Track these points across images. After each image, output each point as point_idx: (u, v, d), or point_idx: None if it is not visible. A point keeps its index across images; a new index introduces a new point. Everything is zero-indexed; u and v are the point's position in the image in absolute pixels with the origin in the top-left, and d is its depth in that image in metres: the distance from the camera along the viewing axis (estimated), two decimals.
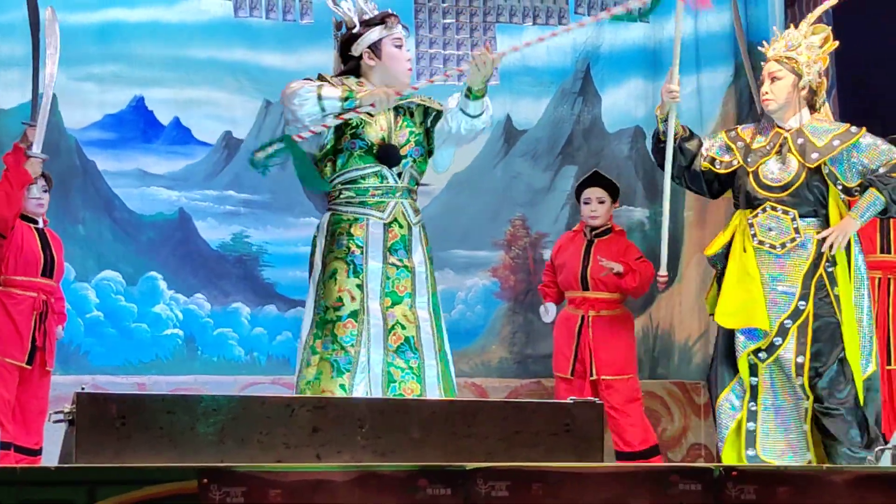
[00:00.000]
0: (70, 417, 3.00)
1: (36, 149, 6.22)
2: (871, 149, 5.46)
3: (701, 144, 5.72)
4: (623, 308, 7.22)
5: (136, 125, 7.76)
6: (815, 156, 5.44)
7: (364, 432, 3.14)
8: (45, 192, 6.54)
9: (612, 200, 7.21)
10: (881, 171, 5.41)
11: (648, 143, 7.80)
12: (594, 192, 7.13)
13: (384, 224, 5.00)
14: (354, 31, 5.09)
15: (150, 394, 3.91)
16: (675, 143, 5.64)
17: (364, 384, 4.76)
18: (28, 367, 6.46)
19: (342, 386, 4.70)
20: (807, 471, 3.37)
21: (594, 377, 6.92)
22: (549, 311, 7.18)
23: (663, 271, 5.87)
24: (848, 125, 5.56)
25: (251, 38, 7.56)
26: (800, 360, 5.40)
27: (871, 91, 6.89)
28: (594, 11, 7.74)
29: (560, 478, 3.01)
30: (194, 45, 7.78)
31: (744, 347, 5.49)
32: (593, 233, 7.14)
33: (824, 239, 5.41)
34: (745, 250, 5.49)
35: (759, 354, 5.45)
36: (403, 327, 4.92)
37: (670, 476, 3.10)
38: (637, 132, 8.55)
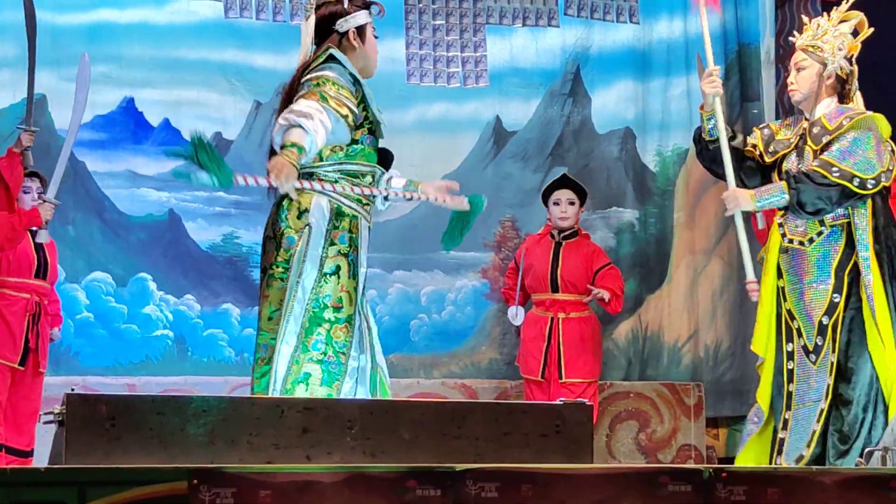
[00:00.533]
0: (60, 418, 3.00)
1: (50, 194, 6.35)
2: (859, 139, 5.35)
3: (745, 140, 5.56)
4: (590, 310, 7.26)
5: (127, 126, 7.76)
6: (825, 138, 5.30)
7: (354, 433, 3.14)
8: (41, 192, 6.54)
9: (581, 203, 7.24)
10: (815, 164, 5.25)
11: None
12: (564, 194, 7.17)
13: (368, 227, 4.90)
14: (345, 6, 4.92)
15: (140, 395, 3.92)
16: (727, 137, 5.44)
17: (350, 387, 4.67)
18: (20, 368, 6.46)
19: (329, 395, 4.62)
20: (796, 472, 3.38)
21: (563, 380, 6.93)
22: (518, 315, 7.17)
23: (751, 277, 5.42)
24: (866, 112, 5.38)
25: (241, 38, 7.57)
26: (832, 359, 5.26)
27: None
28: (584, 13, 7.75)
29: (550, 479, 3.01)
30: (184, 46, 7.78)
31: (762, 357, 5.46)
32: (561, 235, 7.17)
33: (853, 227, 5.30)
34: (783, 251, 5.39)
35: (810, 356, 5.29)
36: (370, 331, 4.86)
37: (660, 477, 3.11)
38: (627, 133, 8.55)
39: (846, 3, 5.48)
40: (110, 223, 7.69)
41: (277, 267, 4.70)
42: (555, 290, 7.10)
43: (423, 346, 8.18)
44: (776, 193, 5.29)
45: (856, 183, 5.21)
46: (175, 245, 7.67)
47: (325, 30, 4.84)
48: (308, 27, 4.81)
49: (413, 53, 7.24)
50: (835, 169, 5.21)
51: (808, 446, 5.22)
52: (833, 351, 5.25)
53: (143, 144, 7.73)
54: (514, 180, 8.23)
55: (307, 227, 4.74)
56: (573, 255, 7.09)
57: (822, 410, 5.25)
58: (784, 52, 5.98)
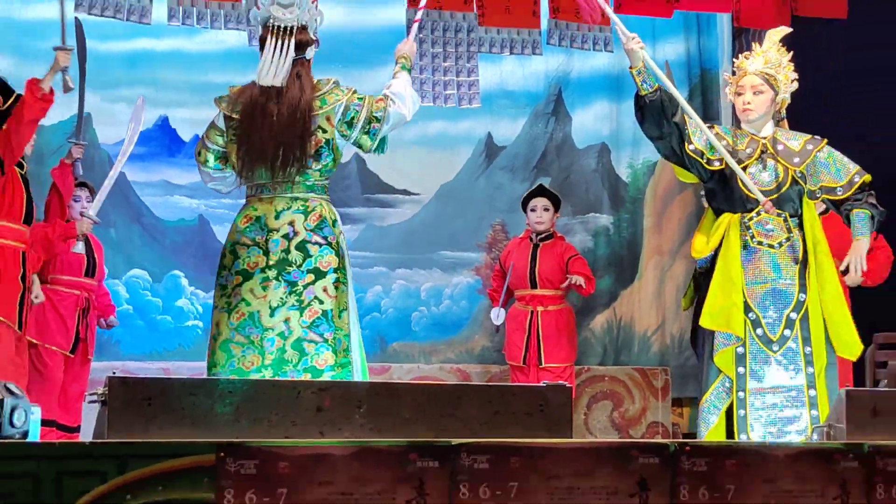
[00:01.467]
0: (103, 399, 2.99)
1: (92, 211, 6.33)
2: (835, 157, 5.37)
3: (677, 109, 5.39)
4: (566, 303, 7.26)
5: (162, 142, 7.77)
6: (796, 160, 5.32)
7: (362, 412, 3.14)
8: (89, 202, 6.54)
9: (555, 210, 7.25)
10: (855, 180, 5.32)
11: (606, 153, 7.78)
12: (540, 202, 7.20)
13: None
14: (312, 37, 4.74)
15: (173, 377, 3.90)
16: (659, 94, 5.28)
17: None
18: (71, 355, 6.47)
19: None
20: (752, 446, 3.37)
21: (543, 365, 6.97)
22: (500, 316, 7.17)
23: (762, 198, 5.24)
24: (812, 135, 5.44)
25: None
26: (807, 349, 5.25)
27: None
28: (564, 43, 7.75)
29: (534, 452, 3.01)
30: (212, 71, 7.78)
31: (721, 347, 5.29)
32: (538, 237, 7.19)
33: (806, 247, 5.33)
34: (744, 248, 5.29)
35: (772, 346, 5.25)
36: None
37: (631, 451, 3.10)
38: (603, 148, 8.57)
39: (777, 34, 5.52)
40: (147, 227, 7.70)
41: (340, 272, 4.58)
42: (534, 286, 7.13)
43: (423, 336, 8.18)
44: (863, 220, 5.34)
45: (859, 176, 5.35)
46: (204, 246, 7.67)
47: (298, 49, 4.69)
48: (289, 51, 4.62)
49: (414, 77, 7.22)
50: (846, 183, 5.34)
51: (809, 430, 5.20)
52: (808, 343, 5.25)
53: (176, 157, 7.73)
54: (504, 189, 8.24)
55: (342, 236, 4.67)
56: (549, 255, 7.12)
57: (813, 398, 5.24)
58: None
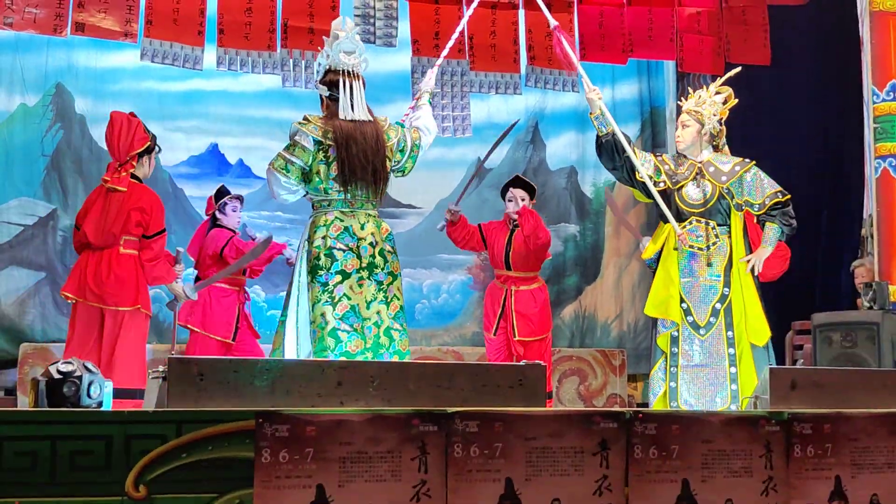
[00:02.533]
0: (164, 375, 2.99)
1: (192, 292, 6.07)
2: (758, 178, 5.42)
3: (629, 143, 5.49)
4: (539, 281, 6.87)
5: (212, 164, 7.77)
6: (724, 178, 5.39)
7: (375, 385, 3.14)
8: (240, 209, 6.61)
9: (530, 198, 6.85)
10: (766, 202, 5.36)
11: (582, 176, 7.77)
12: (517, 192, 6.78)
13: None
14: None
15: (221, 357, 3.91)
16: (612, 136, 5.40)
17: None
18: (232, 342, 6.44)
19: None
20: (692, 414, 3.38)
21: (517, 337, 6.65)
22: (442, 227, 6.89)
23: (678, 229, 5.33)
24: (742, 158, 5.50)
25: (295, 101, 7.56)
26: (730, 334, 5.31)
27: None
28: (539, 84, 7.76)
29: (514, 418, 3.01)
30: (253, 107, 7.79)
31: (664, 329, 5.39)
32: (513, 223, 6.86)
33: (730, 239, 5.37)
34: (677, 251, 5.35)
35: (700, 331, 5.32)
36: None
37: (594, 417, 3.10)
38: (571, 170, 8.58)
39: (721, 80, 5.57)
40: None
41: (401, 276, 4.68)
42: (508, 268, 6.78)
43: (425, 323, 8.18)
44: (773, 232, 5.39)
45: (780, 195, 5.37)
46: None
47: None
48: (361, 87, 4.66)
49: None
50: (768, 197, 5.37)
51: (732, 401, 5.25)
52: (730, 328, 5.30)
53: (223, 177, 7.73)
54: (490, 204, 8.23)
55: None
56: (520, 239, 6.73)
57: (734, 374, 5.29)
58: (678, 113, 6.02)
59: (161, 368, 3.01)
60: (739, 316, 5.33)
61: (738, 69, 5.68)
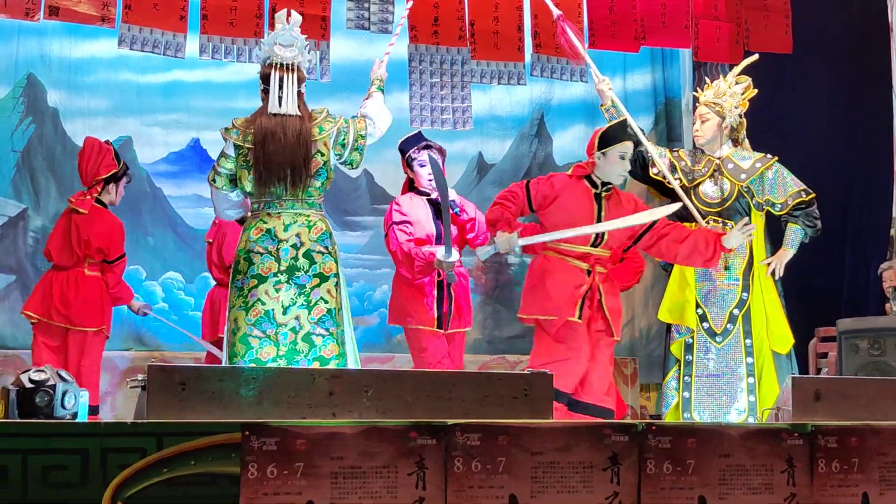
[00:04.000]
0: (143, 384, 2.99)
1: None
2: (780, 176, 5.44)
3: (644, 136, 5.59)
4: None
5: (193, 161, 7.76)
6: (743, 176, 5.42)
7: (369, 396, 3.14)
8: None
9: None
10: (789, 202, 5.39)
11: None
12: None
13: None
14: (306, 74, 4.93)
15: (204, 366, 3.91)
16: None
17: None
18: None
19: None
20: (709, 426, 3.38)
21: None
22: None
23: (700, 219, 5.36)
24: (764, 153, 5.53)
25: None
26: (748, 342, 5.34)
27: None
28: (545, 74, 7.76)
29: (519, 431, 3.01)
30: (238, 98, 7.77)
31: (678, 336, 5.43)
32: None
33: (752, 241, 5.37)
34: None
35: (716, 338, 5.36)
36: None
37: (604, 430, 3.11)
38: None
39: (738, 68, 5.59)
40: (181, 234, 7.69)
41: (338, 276, 4.74)
42: None
43: None
44: (794, 234, 5.44)
45: (804, 194, 5.42)
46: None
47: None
48: (295, 84, 4.79)
49: (415, 104, 7.24)
50: (791, 196, 5.42)
51: (746, 412, 5.28)
52: (749, 336, 5.33)
53: (206, 174, 7.69)
54: (492, 201, 8.24)
55: (336, 246, 4.82)
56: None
57: (752, 385, 5.32)
58: (695, 106, 6.04)
59: (140, 377, 3.01)
60: (760, 322, 5.34)
61: (756, 57, 5.69)
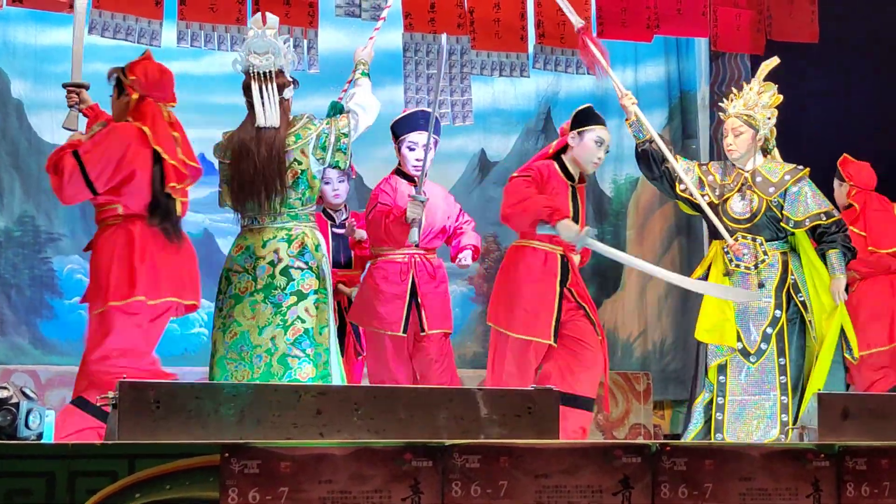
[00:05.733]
0: (114, 402, 2.99)
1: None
2: (802, 192, 5.53)
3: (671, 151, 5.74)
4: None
5: None
6: (771, 189, 5.52)
7: (359, 414, 3.14)
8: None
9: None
10: (806, 223, 5.49)
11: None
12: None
13: None
14: (289, 79, 4.99)
15: (180, 382, 3.91)
16: (650, 144, 5.64)
17: None
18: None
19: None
20: (727, 446, 3.38)
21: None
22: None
23: (729, 239, 5.52)
24: (795, 165, 5.63)
25: None
26: (781, 361, 5.43)
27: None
28: (549, 66, 7.77)
29: (523, 452, 3.01)
30: (217, 92, 7.76)
31: (715, 358, 5.50)
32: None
33: (786, 256, 5.53)
34: (726, 274, 5.51)
35: (750, 358, 5.46)
36: None
37: (615, 451, 3.11)
38: None
39: (765, 68, 5.68)
40: None
41: (320, 293, 4.79)
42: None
43: None
44: (838, 258, 5.51)
45: (824, 217, 5.51)
46: (209, 258, 7.62)
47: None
48: (274, 93, 4.87)
49: (410, 97, 7.24)
50: (809, 217, 5.50)
51: (780, 433, 5.35)
52: (783, 355, 5.42)
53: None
54: (496, 202, 8.17)
55: (324, 259, 4.87)
56: None
57: (784, 404, 5.41)
58: (717, 98, 6.06)
59: (111, 394, 3.01)
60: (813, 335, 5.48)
61: (777, 60, 5.75)
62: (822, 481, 3.25)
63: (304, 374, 4.68)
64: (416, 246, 5.55)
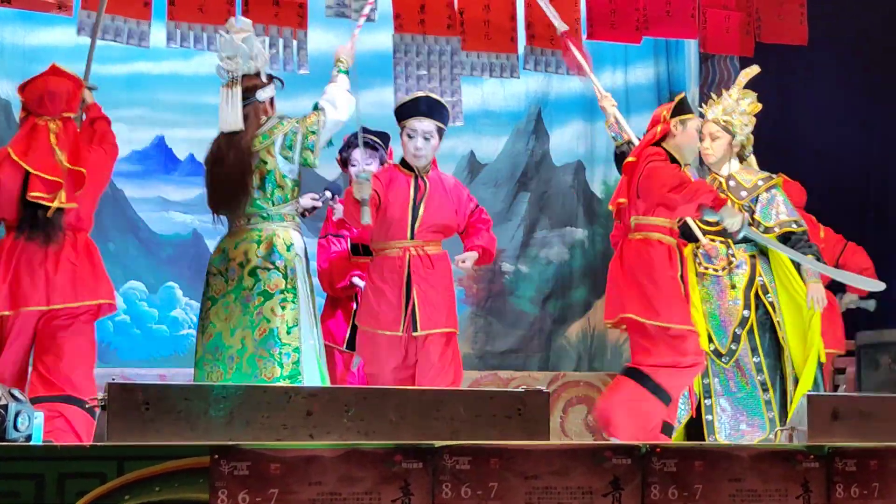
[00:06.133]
0: (103, 403, 2.99)
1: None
2: (775, 200, 5.63)
3: None
4: None
5: (158, 160, 7.74)
6: (743, 194, 5.61)
7: (350, 415, 3.14)
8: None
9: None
10: (776, 230, 5.56)
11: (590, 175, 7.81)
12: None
13: None
14: (263, 79, 5.05)
15: (169, 383, 3.91)
16: (629, 146, 5.64)
17: None
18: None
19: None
20: (717, 447, 3.39)
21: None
22: None
23: (704, 239, 5.62)
24: (769, 173, 5.74)
25: None
26: (756, 360, 5.51)
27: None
28: (539, 67, 7.78)
29: (513, 454, 3.01)
30: (207, 93, 7.71)
31: None
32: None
33: (755, 258, 5.59)
34: (697, 275, 5.58)
35: (723, 359, 5.54)
36: None
37: (605, 452, 3.11)
38: (578, 165, 8.59)
39: (746, 76, 5.77)
40: (144, 240, 7.66)
41: (288, 292, 4.83)
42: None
43: None
44: (814, 265, 5.55)
45: (795, 226, 5.59)
46: (198, 259, 7.63)
47: (245, 97, 4.99)
48: (237, 97, 4.94)
49: (400, 98, 7.24)
50: (779, 224, 5.59)
51: (770, 431, 5.43)
52: (756, 353, 5.50)
53: (171, 175, 7.70)
54: (486, 204, 8.14)
55: (297, 258, 4.91)
56: None
57: (767, 401, 5.50)
58: (706, 100, 6.09)
59: (100, 396, 3.00)
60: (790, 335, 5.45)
61: (757, 69, 5.88)
62: (812, 482, 3.26)
63: (270, 373, 4.74)
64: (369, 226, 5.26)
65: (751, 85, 5.82)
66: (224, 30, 5.10)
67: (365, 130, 5.59)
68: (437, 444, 2.96)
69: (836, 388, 7.02)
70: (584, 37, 7.49)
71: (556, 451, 3.06)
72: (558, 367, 7.95)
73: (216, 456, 2.77)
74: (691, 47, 8.50)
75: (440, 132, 5.49)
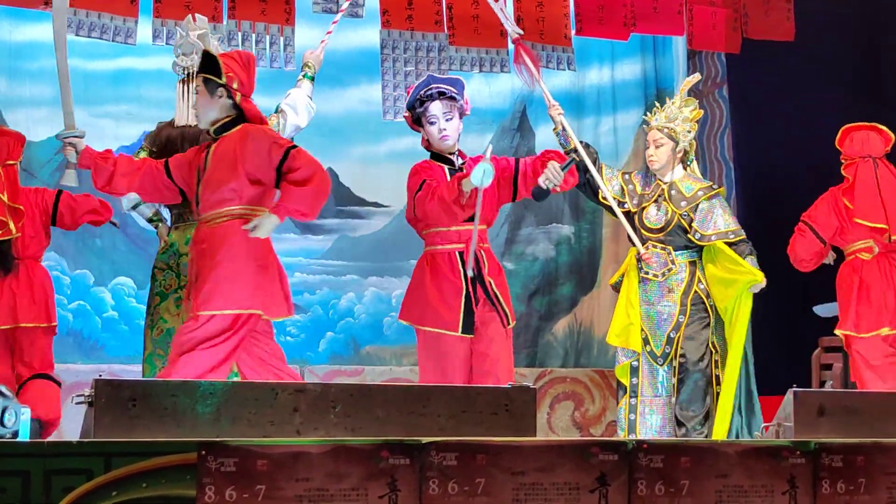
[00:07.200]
0: (90, 400, 2.98)
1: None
2: (712, 212, 5.72)
3: (596, 159, 5.89)
4: None
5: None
6: (683, 203, 5.74)
7: (336, 412, 3.14)
8: None
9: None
10: (712, 238, 5.68)
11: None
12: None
13: None
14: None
15: (156, 380, 3.91)
16: (574, 153, 5.64)
17: None
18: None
19: None
20: (704, 443, 3.39)
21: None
22: None
23: (641, 248, 5.71)
24: (711, 182, 5.96)
25: None
26: (674, 363, 5.68)
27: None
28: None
29: (500, 450, 3.02)
30: None
31: (624, 359, 5.74)
32: None
33: (695, 265, 5.74)
34: (640, 282, 5.75)
35: (658, 360, 5.68)
36: None
37: (592, 448, 3.11)
38: None
39: (687, 84, 5.96)
40: (132, 236, 7.64)
41: (183, 290, 4.82)
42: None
43: (395, 339, 8.16)
44: (754, 262, 5.68)
45: (732, 236, 5.70)
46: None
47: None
48: (191, 91, 5.00)
49: (388, 94, 7.23)
50: (715, 234, 5.71)
51: (680, 427, 5.63)
52: (679, 356, 5.65)
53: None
54: None
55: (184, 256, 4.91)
56: None
57: (673, 403, 5.68)
58: (693, 96, 6.10)
59: (87, 392, 2.99)
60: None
61: (698, 76, 6.07)
62: (798, 478, 3.27)
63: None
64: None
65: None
66: (182, 27, 5.13)
67: (436, 80, 5.40)
68: (424, 440, 2.95)
69: (822, 384, 7.03)
70: (572, 32, 7.50)
71: (543, 448, 3.06)
72: (545, 364, 7.95)
73: (203, 452, 2.77)
74: (679, 43, 8.51)
75: (459, 111, 5.35)
